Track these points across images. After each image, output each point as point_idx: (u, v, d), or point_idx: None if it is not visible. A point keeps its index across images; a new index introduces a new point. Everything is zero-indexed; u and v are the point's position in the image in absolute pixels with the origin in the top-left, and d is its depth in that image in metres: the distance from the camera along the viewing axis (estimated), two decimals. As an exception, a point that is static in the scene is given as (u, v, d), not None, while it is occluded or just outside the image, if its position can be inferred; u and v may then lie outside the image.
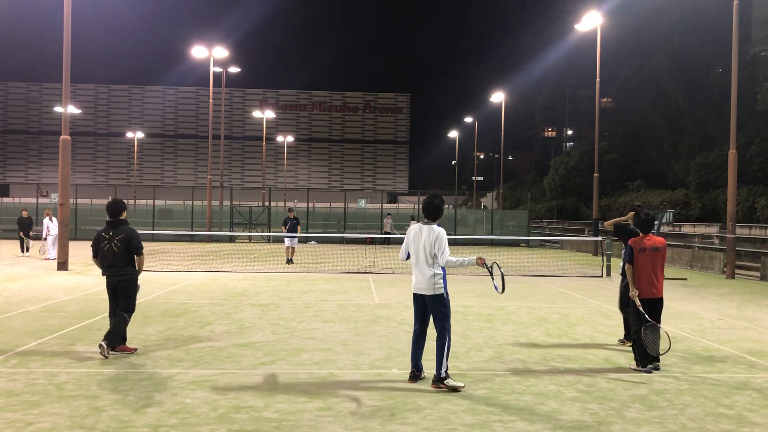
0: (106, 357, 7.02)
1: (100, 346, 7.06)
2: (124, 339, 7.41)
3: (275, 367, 6.86)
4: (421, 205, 6.50)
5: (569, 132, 79.76)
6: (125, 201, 7.94)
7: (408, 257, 6.44)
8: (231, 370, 6.73)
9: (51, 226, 20.91)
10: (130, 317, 7.41)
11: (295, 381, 6.33)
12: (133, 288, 7.41)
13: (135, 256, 7.39)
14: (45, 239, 21.21)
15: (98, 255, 7.44)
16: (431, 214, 6.31)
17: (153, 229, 34.26)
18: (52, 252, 20.45)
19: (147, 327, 9.07)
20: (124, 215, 7.51)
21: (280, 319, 9.92)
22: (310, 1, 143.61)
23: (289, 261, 19.48)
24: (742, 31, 24.97)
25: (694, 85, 34.87)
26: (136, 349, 7.42)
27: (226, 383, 6.20)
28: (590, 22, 28.32)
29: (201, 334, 8.59)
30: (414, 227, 6.36)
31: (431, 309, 6.26)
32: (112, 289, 7.38)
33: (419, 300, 6.31)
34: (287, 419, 5.17)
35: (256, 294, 12.91)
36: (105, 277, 7.42)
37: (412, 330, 6.44)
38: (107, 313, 9.96)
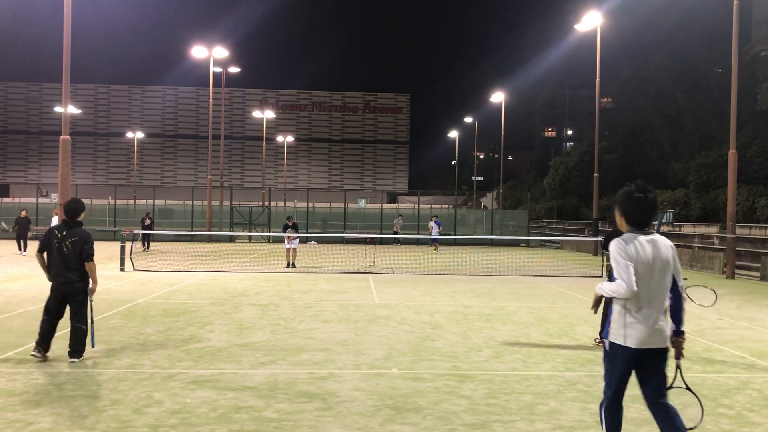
0: (76, 361, 6.93)
1: (45, 358, 6.90)
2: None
3: (275, 367, 6.86)
4: (623, 203, 4.12)
5: (569, 132, 79.82)
6: (84, 202, 7.52)
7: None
8: (231, 370, 6.72)
9: None
10: (86, 326, 7.09)
11: (295, 381, 6.33)
12: (84, 296, 7.03)
13: (85, 263, 6.93)
14: None
15: (45, 251, 6.99)
16: (651, 214, 4.12)
17: (153, 229, 34.22)
18: None
19: (147, 327, 9.07)
20: (81, 217, 7.16)
21: (280, 319, 9.92)
22: (310, 1, 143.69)
23: (291, 264, 19.07)
24: (742, 31, 24.96)
25: (694, 85, 34.86)
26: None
27: (226, 383, 6.20)
28: (590, 22, 28.33)
29: (201, 334, 8.59)
30: (633, 240, 4.01)
31: (653, 366, 4.04)
32: (60, 296, 6.95)
33: (636, 357, 4.00)
34: (287, 419, 5.17)
35: (256, 294, 12.91)
36: (52, 282, 6.96)
37: (605, 401, 4.20)
38: (106, 314, 9.99)
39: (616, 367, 4.08)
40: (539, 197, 51.31)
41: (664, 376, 4.09)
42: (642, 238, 4.01)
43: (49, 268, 6.98)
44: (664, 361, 4.06)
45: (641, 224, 4.08)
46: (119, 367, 6.77)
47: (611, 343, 4.08)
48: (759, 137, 28.88)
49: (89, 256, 6.95)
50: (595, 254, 27.63)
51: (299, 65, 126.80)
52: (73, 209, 7.08)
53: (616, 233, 8.43)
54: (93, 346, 7.29)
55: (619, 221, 4.16)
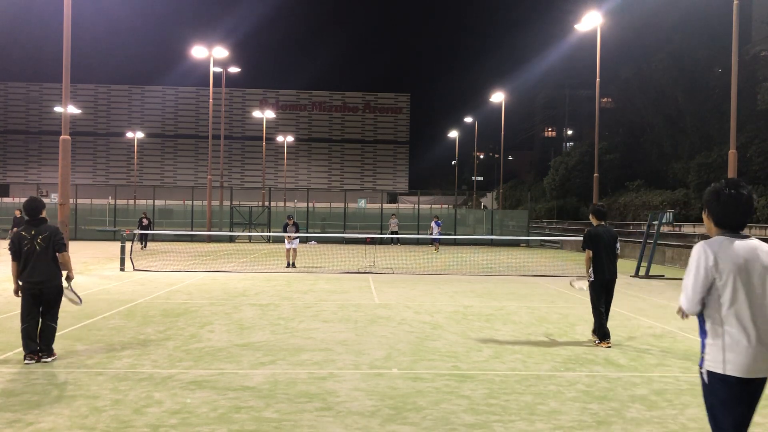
0: (49, 361, 6.94)
1: (38, 359, 6.89)
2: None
3: (275, 367, 6.86)
4: (711, 203, 3.35)
5: (569, 132, 79.84)
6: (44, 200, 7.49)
7: (702, 306, 3.30)
8: (231, 370, 6.72)
9: None
10: (57, 324, 7.13)
11: (295, 381, 6.33)
12: (59, 297, 7.03)
13: (57, 254, 6.93)
14: None
15: (19, 258, 6.88)
16: (746, 215, 3.33)
17: (153, 229, 34.25)
18: None
19: (147, 327, 9.07)
20: (43, 213, 7.12)
21: (280, 319, 9.92)
22: (310, 1, 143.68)
23: (291, 264, 19.11)
24: (742, 31, 24.97)
25: (694, 85, 34.85)
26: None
27: (226, 383, 6.20)
28: (590, 22, 28.32)
29: (201, 334, 8.58)
30: (720, 245, 3.26)
31: (754, 396, 3.25)
32: (35, 296, 6.90)
33: (749, 388, 3.20)
34: (287, 419, 5.17)
35: (256, 294, 12.91)
36: (24, 283, 6.87)
37: None
38: (106, 314, 9.99)
39: (720, 404, 3.22)
40: (539, 197, 51.29)
41: (755, 408, 3.29)
42: (737, 242, 3.24)
43: (28, 271, 6.88)
44: (762, 391, 3.28)
45: (735, 227, 3.29)
46: (119, 367, 6.77)
47: (709, 373, 3.24)
48: (759, 137, 28.87)
49: (62, 246, 7.00)
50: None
51: (299, 65, 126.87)
52: (33, 207, 7.05)
53: (592, 234, 8.48)
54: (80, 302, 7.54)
55: (708, 225, 3.38)
